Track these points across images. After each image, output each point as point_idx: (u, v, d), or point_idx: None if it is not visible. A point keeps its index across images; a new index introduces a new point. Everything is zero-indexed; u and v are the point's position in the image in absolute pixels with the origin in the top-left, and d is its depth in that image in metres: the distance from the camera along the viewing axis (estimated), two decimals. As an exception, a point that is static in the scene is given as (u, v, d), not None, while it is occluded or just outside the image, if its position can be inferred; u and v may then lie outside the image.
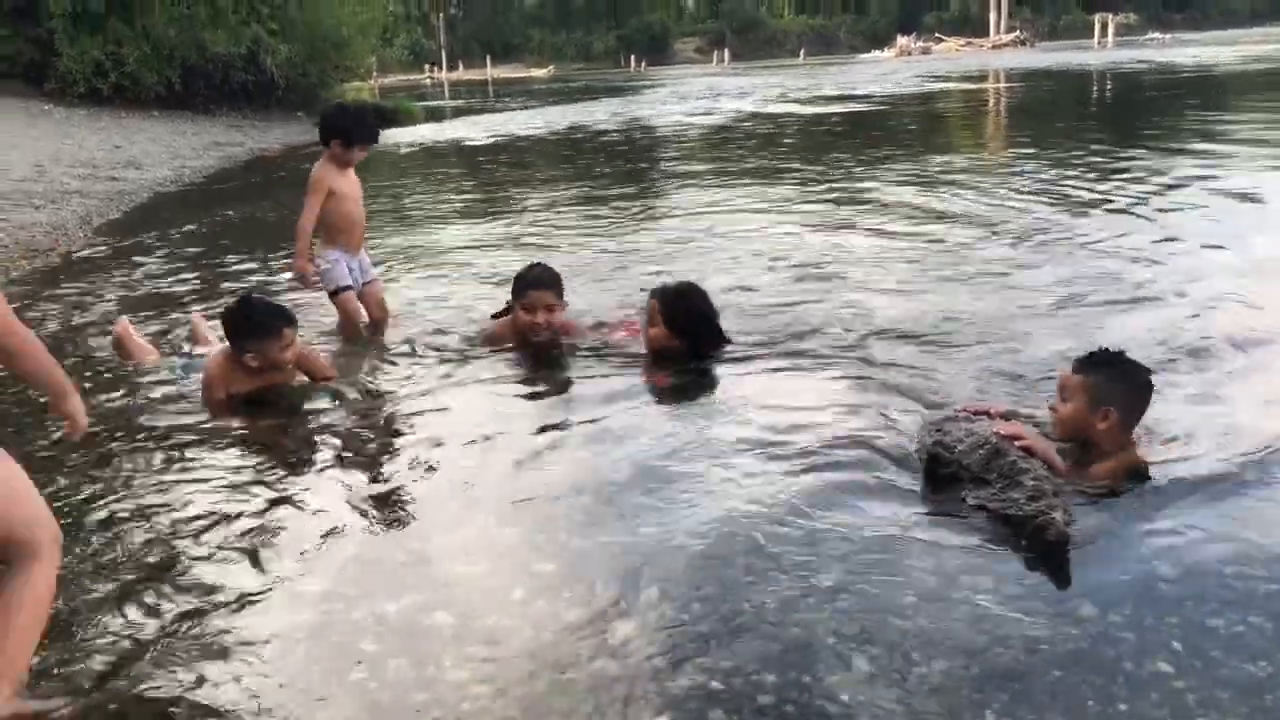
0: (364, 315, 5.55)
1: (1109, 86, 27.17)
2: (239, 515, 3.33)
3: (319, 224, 5.41)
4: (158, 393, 4.67)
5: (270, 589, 2.86)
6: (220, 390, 4.43)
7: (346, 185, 5.44)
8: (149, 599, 2.83)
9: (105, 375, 4.99)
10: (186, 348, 5.17)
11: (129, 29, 21.34)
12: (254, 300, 4.62)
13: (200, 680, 2.44)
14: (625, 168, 14.03)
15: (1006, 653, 2.39)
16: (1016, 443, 3.08)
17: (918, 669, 2.33)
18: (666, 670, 2.37)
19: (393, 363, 4.99)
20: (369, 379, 4.79)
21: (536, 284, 4.85)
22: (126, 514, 3.40)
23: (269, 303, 4.69)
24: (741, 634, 2.49)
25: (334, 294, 5.48)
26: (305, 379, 4.62)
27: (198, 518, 3.33)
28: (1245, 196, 8.30)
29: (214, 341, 5.19)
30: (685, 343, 4.58)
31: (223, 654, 2.54)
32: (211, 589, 2.87)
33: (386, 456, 3.85)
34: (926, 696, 2.24)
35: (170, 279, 7.47)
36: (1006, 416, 3.41)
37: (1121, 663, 2.33)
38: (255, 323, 4.39)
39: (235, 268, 7.82)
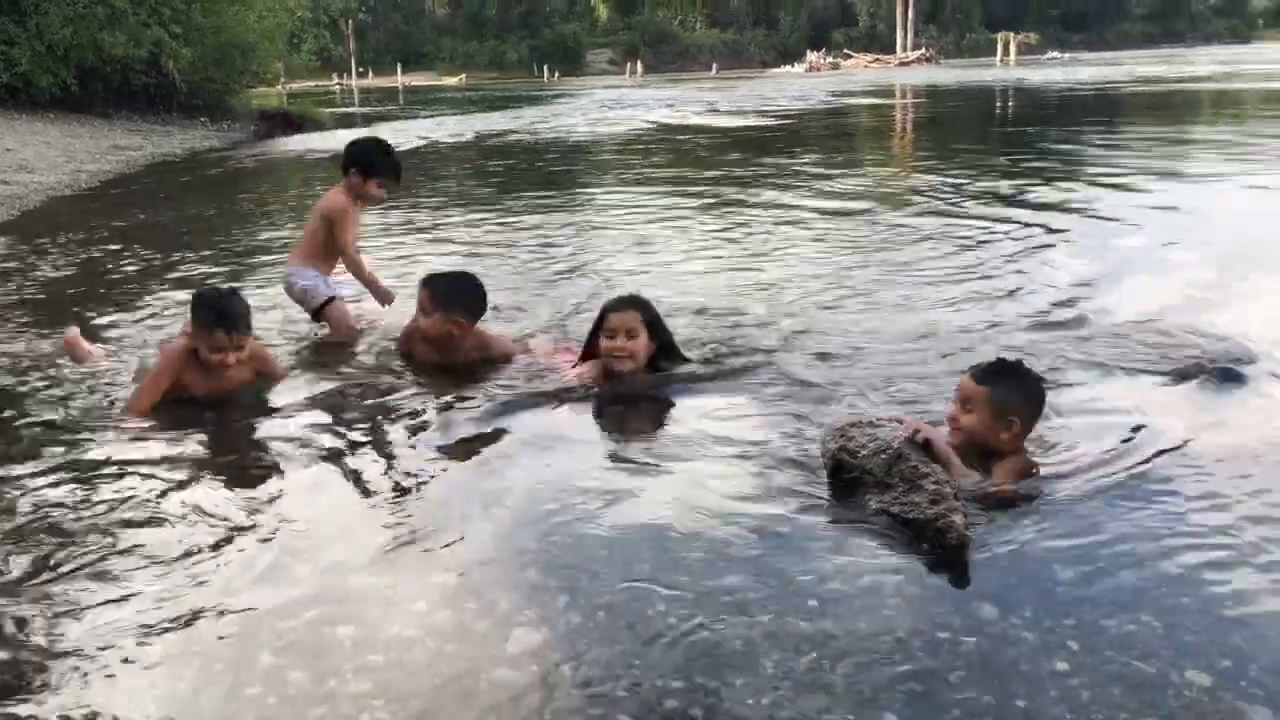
0: (354, 322, 5.41)
1: (1012, 103, 27.95)
2: (131, 524, 3.22)
3: (304, 240, 5.41)
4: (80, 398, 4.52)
5: (162, 602, 2.75)
6: (167, 382, 4.28)
7: (358, 217, 5.39)
8: (31, 615, 2.71)
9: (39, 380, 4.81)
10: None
11: (20, 28, 20.63)
12: (225, 293, 4.42)
13: (86, 701, 2.34)
14: (539, 180, 13.98)
15: (910, 654, 2.41)
16: (918, 436, 3.13)
17: (823, 672, 2.35)
18: (571, 679, 2.34)
19: (339, 376, 4.80)
20: (310, 391, 4.59)
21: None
22: (17, 525, 3.26)
23: (220, 297, 4.40)
24: (647, 640, 2.48)
25: (322, 308, 5.34)
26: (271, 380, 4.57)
27: (87, 528, 3.20)
28: (1144, 208, 8.65)
29: (91, 350, 5.05)
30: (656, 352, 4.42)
31: (111, 672, 2.44)
32: (99, 603, 2.76)
33: (293, 467, 3.75)
34: (832, 699, 2.25)
35: (58, 284, 7.21)
36: (898, 422, 3.47)
37: (1020, 663, 2.37)
38: (203, 308, 4.24)
39: (130, 273, 7.59)
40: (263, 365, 4.57)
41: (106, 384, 4.67)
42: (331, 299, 5.35)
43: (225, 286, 4.66)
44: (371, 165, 5.27)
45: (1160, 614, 2.54)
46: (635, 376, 4.31)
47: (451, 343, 4.70)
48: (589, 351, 4.43)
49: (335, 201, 5.30)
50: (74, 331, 5.21)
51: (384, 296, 5.44)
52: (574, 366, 4.46)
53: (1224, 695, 2.23)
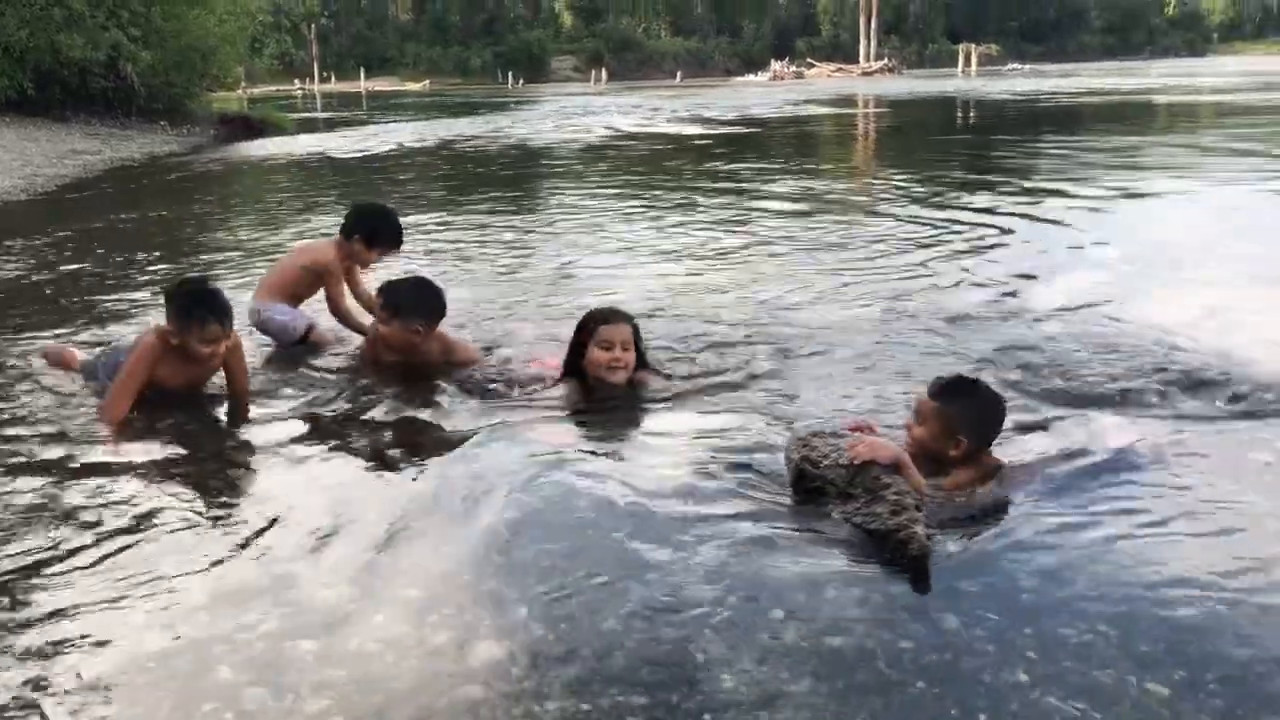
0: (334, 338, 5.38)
1: (972, 113, 28.24)
2: (83, 534, 3.16)
3: (276, 278, 5.35)
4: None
5: (114, 614, 2.71)
6: (142, 379, 4.25)
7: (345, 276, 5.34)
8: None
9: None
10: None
11: (-25, 31, 20.35)
12: (208, 287, 4.44)
13: (34, 710, 2.29)
14: (500, 185, 13.94)
15: (872, 666, 2.41)
16: (878, 457, 3.13)
17: (785, 684, 2.34)
18: (533, 692, 2.33)
19: (308, 388, 4.74)
20: (277, 402, 4.55)
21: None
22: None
23: (209, 292, 4.42)
24: (609, 653, 2.46)
25: (304, 337, 5.29)
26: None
27: (44, 543, 3.14)
28: (1109, 213, 8.83)
29: (74, 353, 4.98)
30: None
31: (61, 687, 2.39)
32: (49, 616, 2.71)
33: (254, 479, 3.72)
34: (794, 711, 2.25)
35: (13, 288, 7.10)
36: (866, 430, 3.48)
37: (982, 674, 2.37)
38: (194, 305, 4.23)
39: (87, 277, 7.49)
40: (233, 356, 4.48)
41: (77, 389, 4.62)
42: (311, 326, 5.32)
43: (200, 277, 4.65)
44: (375, 234, 5.21)
45: (1118, 623, 2.56)
46: (621, 387, 4.33)
47: (414, 349, 4.68)
48: (570, 364, 4.41)
49: (326, 258, 5.26)
50: (54, 346, 5.20)
51: (289, 333, 5.36)
52: (556, 381, 4.44)
53: (1182, 706, 2.25)
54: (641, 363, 4.44)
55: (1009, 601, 2.69)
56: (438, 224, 9.89)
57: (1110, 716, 2.22)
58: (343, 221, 5.34)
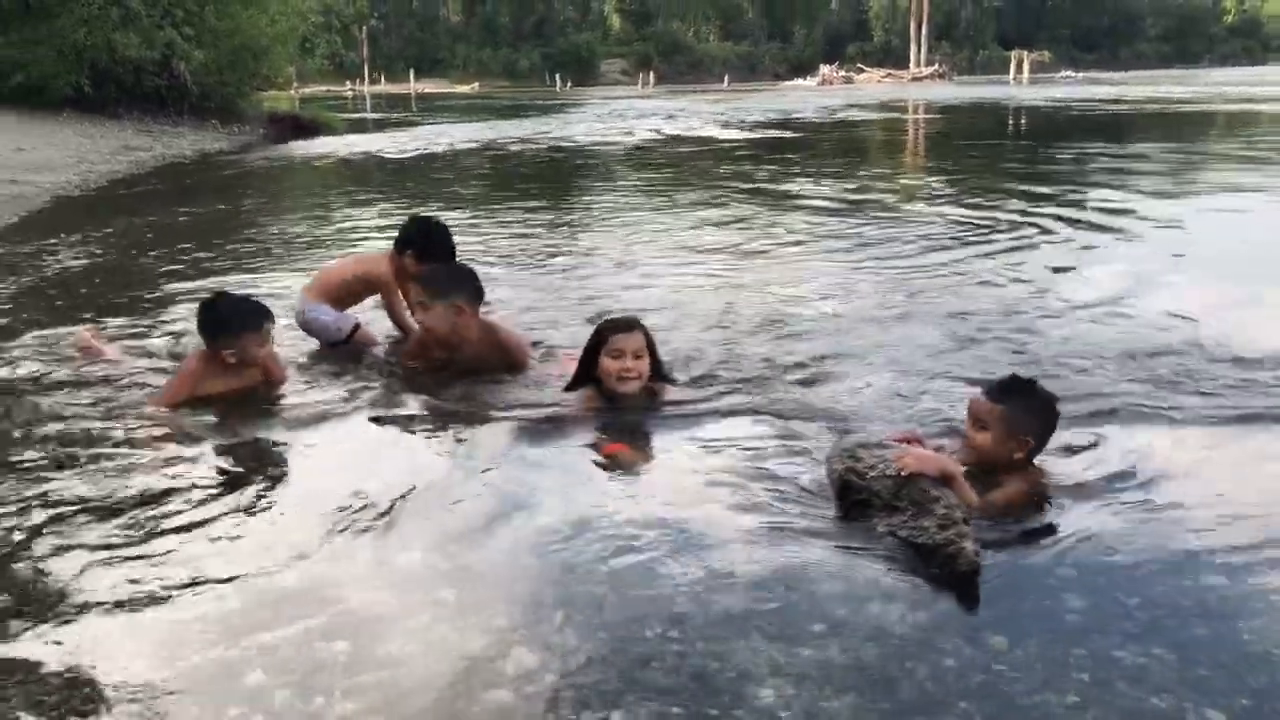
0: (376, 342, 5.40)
1: (1023, 121, 27.90)
2: (123, 536, 3.16)
3: (324, 282, 5.37)
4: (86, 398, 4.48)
5: (149, 615, 2.70)
6: (185, 391, 4.35)
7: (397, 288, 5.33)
8: (13, 617, 2.67)
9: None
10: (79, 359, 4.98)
11: (36, 30, 20.70)
12: (232, 296, 4.64)
13: (68, 710, 2.28)
14: (546, 187, 13.96)
15: (916, 684, 2.34)
16: (926, 470, 3.05)
17: (826, 702, 2.28)
18: (568, 701, 2.28)
19: (349, 389, 4.69)
20: (316, 405, 4.49)
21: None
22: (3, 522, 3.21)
23: (248, 298, 4.69)
24: (646, 664, 2.41)
25: (350, 336, 5.28)
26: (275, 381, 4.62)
27: (77, 537, 3.15)
28: (1160, 224, 8.59)
29: (109, 353, 5.03)
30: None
31: (94, 681, 2.38)
32: (85, 613, 2.71)
33: (290, 481, 3.71)
34: (834, 730, 2.18)
35: (66, 287, 7.18)
36: (913, 441, 3.40)
37: (1030, 695, 2.30)
38: (240, 315, 4.41)
39: (136, 273, 7.56)
40: (272, 367, 4.63)
41: (122, 380, 4.66)
42: (357, 326, 5.31)
43: (223, 291, 4.79)
44: (427, 250, 5.12)
45: (1175, 647, 2.47)
46: (638, 397, 4.21)
47: (461, 343, 4.65)
48: (582, 374, 4.29)
49: (378, 270, 5.26)
50: (84, 333, 5.24)
51: (332, 334, 5.34)
52: (565, 389, 4.34)
53: (1242, 735, 2.16)
54: (657, 371, 4.31)
55: (1059, 621, 2.60)
56: (481, 223, 9.89)
57: (1165, 743, 2.14)
58: (397, 233, 5.31)
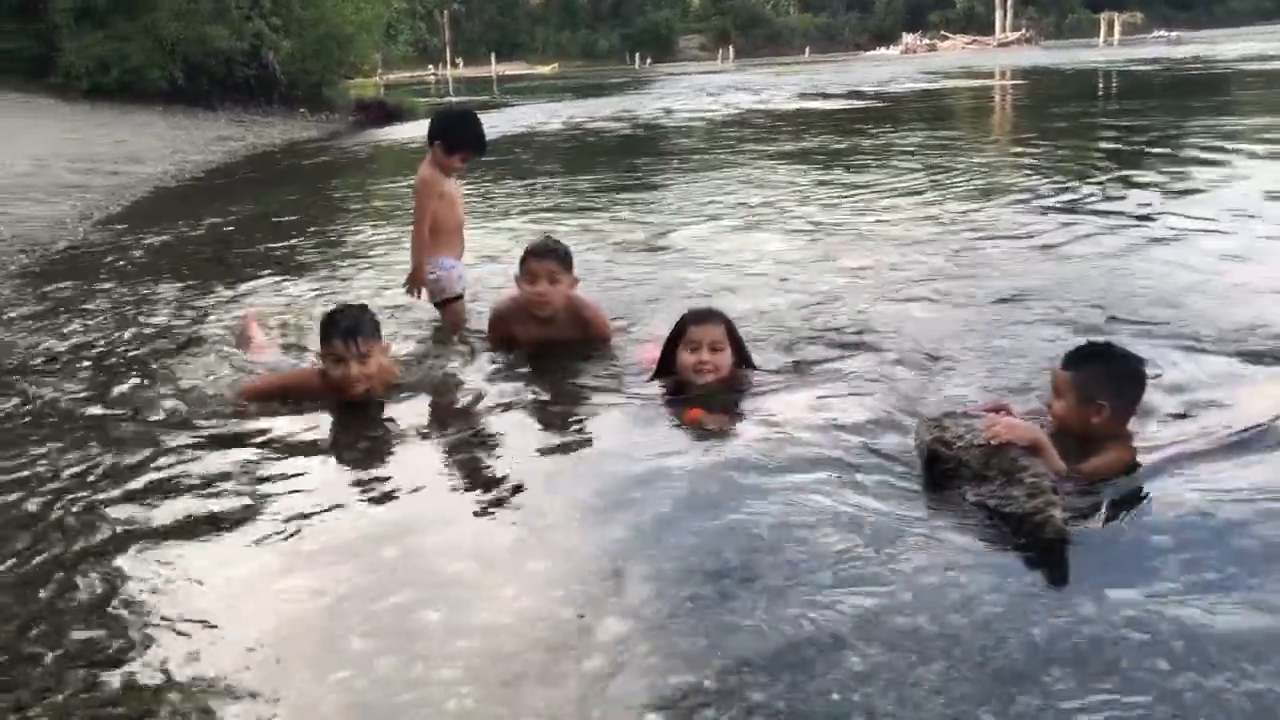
0: (467, 321, 5.39)
1: (1111, 86, 27.09)
2: (230, 509, 3.30)
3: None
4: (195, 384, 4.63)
5: (255, 585, 2.82)
6: (286, 385, 4.35)
7: (451, 188, 5.32)
8: (131, 587, 2.81)
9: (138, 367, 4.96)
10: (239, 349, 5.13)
11: (133, 24, 21.34)
12: (342, 307, 4.39)
13: (180, 676, 2.40)
14: (629, 165, 13.98)
15: (1005, 652, 2.34)
16: (1017, 438, 3.03)
17: (914, 669, 2.29)
18: (657, 668, 2.33)
19: (440, 366, 4.81)
20: (430, 385, 4.57)
21: (535, 252, 4.68)
22: (115, 498, 3.37)
23: (341, 312, 4.33)
24: (734, 631, 2.45)
25: (445, 303, 5.34)
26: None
27: (186, 511, 3.30)
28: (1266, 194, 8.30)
29: (262, 342, 5.14)
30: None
31: (205, 650, 2.50)
32: (194, 584, 2.84)
33: (389, 453, 3.83)
34: (923, 697, 2.19)
35: (167, 275, 7.43)
36: (1001, 410, 3.37)
37: (1120, 662, 2.28)
38: (325, 324, 4.19)
39: (235, 264, 7.79)
40: (388, 379, 4.33)
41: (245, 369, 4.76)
42: (459, 297, 5.36)
43: (355, 302, 4.57)
44: (458, 142, 5.19)
45: (1271, 613, 2.43)
46: (717, 387, 4.09)
47: (543, 316, 4.71)
48: (664, 366, 4.23)
49: (421, 173, 5.28)
50: (252, 315, 5.41)
51: (415, 281, 5.30)
52: (648, 379, 4.29)
53: (1343, 702, 2.12)
54: (743, 361, 4.22)
55: (1152, 589, 2.57)
56: (566, 200, 9.97)
57: (1262, 709, 2.11)
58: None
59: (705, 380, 4.06)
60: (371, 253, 7.93)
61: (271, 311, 5.81)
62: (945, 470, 3.12)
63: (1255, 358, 4.19)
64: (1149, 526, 2.87)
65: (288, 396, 4.27)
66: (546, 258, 4.69)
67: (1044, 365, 3.82)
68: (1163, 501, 2.99)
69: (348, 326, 4.12)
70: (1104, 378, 3.26)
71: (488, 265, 6.66)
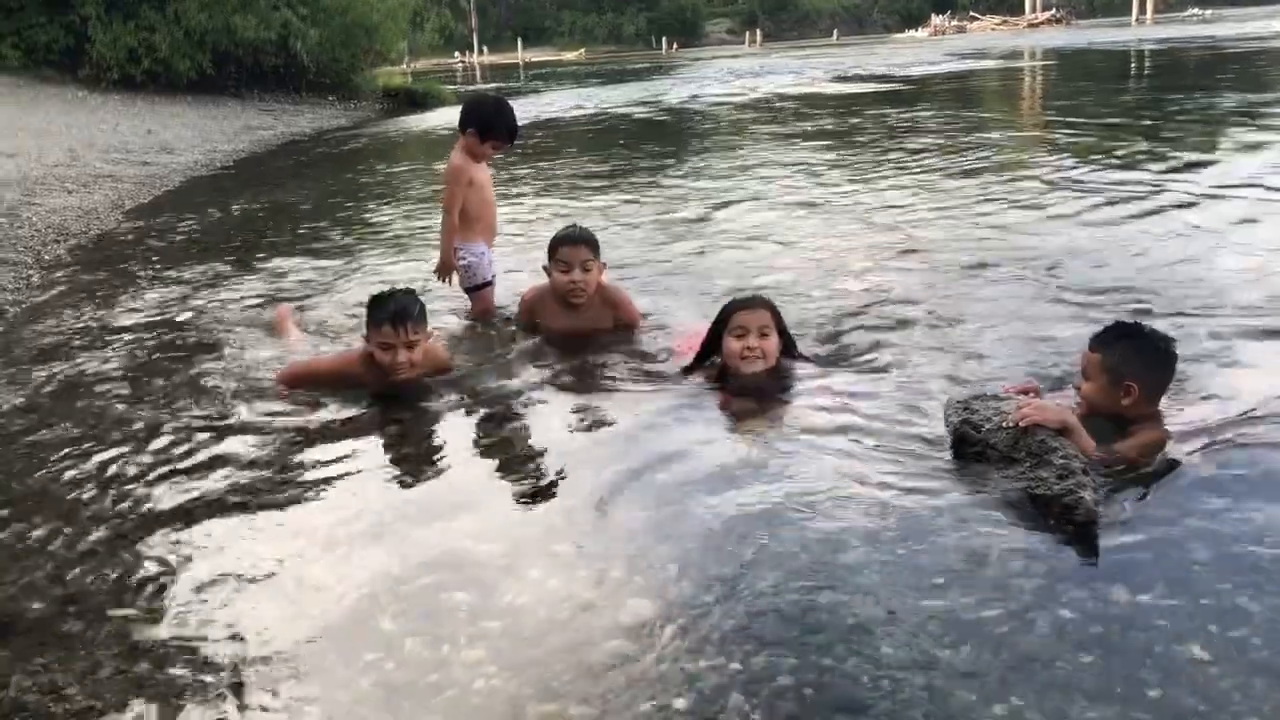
0: (495, 309, 5.39)
1: (1149, 66, 26.74)
2: (263, 492, 3.34)
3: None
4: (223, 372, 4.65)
5: (287, 566, 2.85)
6: (328, 371, 4.31)
7: (482, 175, 5.32)
8: (164, 568, 2.85)
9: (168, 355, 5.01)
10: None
11: (161, 15, 21.47)
12: (390, 291, 4.29)
13: (212, 656, 2.42)
14: (658, 151, 13.94)
15: (1034, 636, 2.32)
16: (1046, 420, 3.00)
17: (943, 651, 2.28)
18: (684, 651, 2.33)
19: (474, 351, 4.84)
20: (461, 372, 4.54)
21: (568, 240, 4.70)
22: (150, 480, 3.41)
23: (390, 296, 4.22)
24: (761, 614, 2.44)
25: (475, 289, 5.35)
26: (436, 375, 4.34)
27: (221, 493, 3.33)
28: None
29: (297, 334, 5.15)
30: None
31: (237, 631, 2.53)
32: (228, 565, 2.87)
33: (418, 436, 3.85)
34: (951, 680, 2.18)
35: (199, 262, 7.49)
36: (1031, 393, 3.35)
37: (1153, 646, 2.26)
38: (374, 307, 4.13)
39: (267, 251, 7.83)
40: (438, 365, 4.34)
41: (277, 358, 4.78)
42: (488, 283, 5.36)
43: (401, 287, 4.46)
44: (488, 128, 5.20)
45: (1309, 598, 2.40)
46: (761, 376, 4.00)
47: (576, 302, 4.72)
48: (705, 351, 4.16)
49: (451, 160, 5.28)
50: (286, 308, 5.46)
51: (445, 268, 5.30)
52: (685, 369, 4.22)
53: (1381, 689, 2.09)
54: (789, 349, 4.14)
55: (1183, 572, 2.54)
56: (594, 186, 9.96)
57: (1297, 695, 2.08)
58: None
59: (754, 369, 3.97)
60: (403, 239, 7.97)
61: (299, 305, 5.81)
62: (973, 452, 3.10)
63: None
64: (1181, 509, 2.83)
65: (329, 382, 4.26)
66: (579, 245, 4.70)
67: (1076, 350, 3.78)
68: (1195, 484, 2.96)
69: (397, 311, 4.06)
70: (1133, 358, 3.22)
71: (509, 250, 6.67)
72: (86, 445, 3.81)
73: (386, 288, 4.40)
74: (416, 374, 4.17)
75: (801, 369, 4.15)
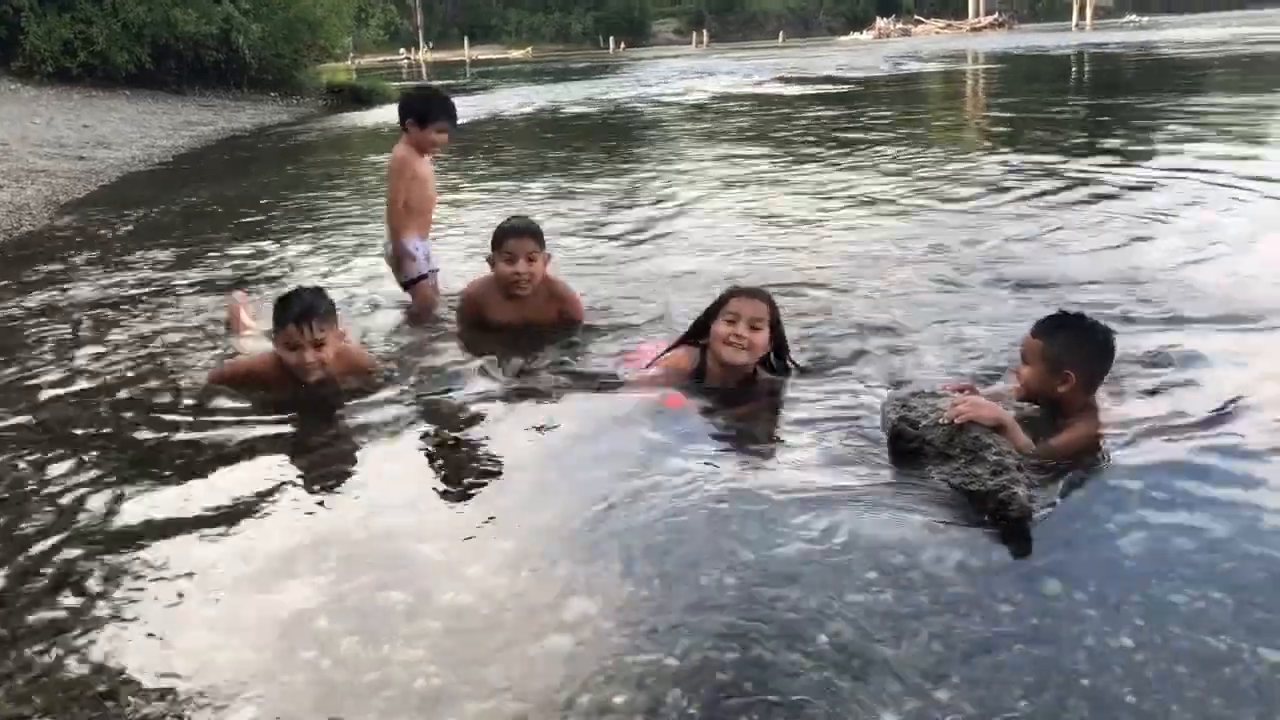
0: (438, 301, 5.34)
1: (1089, 70, 27.22)
2: (196, 494, 3.28)
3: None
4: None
5: (219, 566, 2.80)
6: (248, 372, 4.24)
7: (423, 168, 5.29)
8: (92, 573, 2.79)
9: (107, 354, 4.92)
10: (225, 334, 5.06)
11: (98, 8, 21.04)
12: (296, 290, 4.18)
13: (145, 656, 2.39)
14: (605, 150, 13.93)
15: (969, 628, 2.36)
16: (980, 417, 3.05)
17: (879, 645, 2.31)
18: (623, 647, 2.33)
19: (414, 348, 4.79)
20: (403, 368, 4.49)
21: (513, 231, 4.68)
22: (79, 486, 3.33)
23: (296, 295, 4.11)
24: (701, 611, 2.46)
25: (412, 283, 5.31)
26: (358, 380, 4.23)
27: (152, 499, 3.27)
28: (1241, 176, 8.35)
29: (248, 324, 5.05)
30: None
31: (169, 632, 2.49)
32: (158, 565, 2.82)
33: (356, 435, 3.79)
34: (886, 673, 2.21)
35: (134, 257, 7.35)
36: (967, 390, 3.39)
37: (1084, 639, 2.31)
38: (278, 307, 4.02)
39: (205, 246, 7.70)
40: (352, 366, 4.22)
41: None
42: (424, 277, 5.32)
43: (309, 286, 4.35)
44: (426, 112, 5.20)
45: (1231, 590, 2.46)
46: (730, 378, 3.92)
47: (520, 297, 4.71)
48: (693, 331, 4.06)
49: (395, 154, 5.28)
50: (240, 296, 5.36)
51: (404, 268, 5.29)
52: (665, 354, 4.12)
53: (1298, 674, 2.15)
54: (780, 353, 4.02)
55: (1114, 566, 2.60)
56: (540, 186, 9.93)
57: (1222, 684, 2.14)
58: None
59: (736, 358, 3.84)
60: (345, 234, 7.87)
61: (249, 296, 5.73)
62: (910, 449, 3.14)
63: (1229, 336, 4.23)
64: (1113, 503, 2.90)
65: (250, 383, 4.18)
66: (524, 236, 4.69)
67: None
68: (1127, 478, 3.02)
69: (301, 310, 3.96)
70: (1073, 347, 3.28)
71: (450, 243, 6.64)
72: (11, 449, 3.72)
73: (295, 287, 4.32)
74: (336, 375, 4.09)
75: (767, 381, 4.01)
